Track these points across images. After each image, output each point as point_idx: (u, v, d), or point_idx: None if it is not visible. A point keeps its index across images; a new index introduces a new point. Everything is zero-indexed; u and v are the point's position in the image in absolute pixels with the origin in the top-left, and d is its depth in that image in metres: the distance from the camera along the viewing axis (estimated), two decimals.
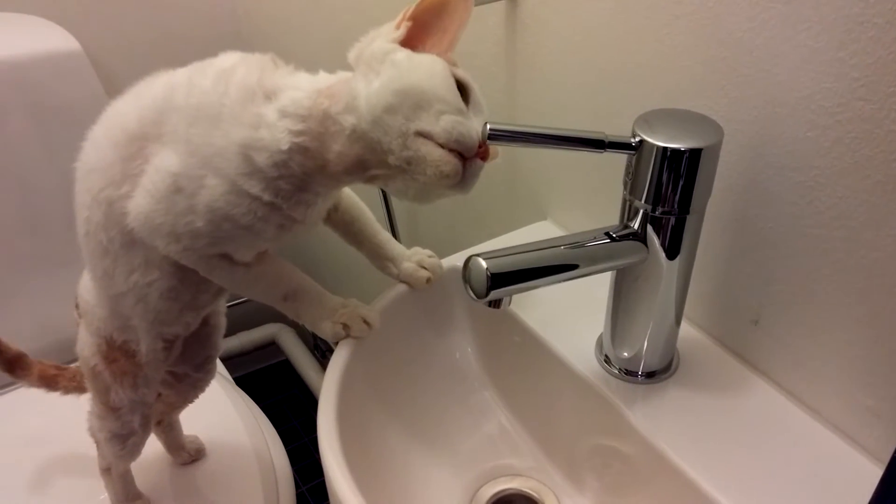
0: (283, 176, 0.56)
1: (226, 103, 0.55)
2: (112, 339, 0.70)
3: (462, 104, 0.53)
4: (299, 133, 0.55)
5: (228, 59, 0.59)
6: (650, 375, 0.65)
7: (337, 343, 0.67)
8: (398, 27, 0.55)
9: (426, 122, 0.52)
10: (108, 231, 0.62)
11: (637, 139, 0.53)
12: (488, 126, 0.51)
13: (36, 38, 1.10)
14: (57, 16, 1.17)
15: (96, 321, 0.70)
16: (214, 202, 0.56)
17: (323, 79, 0.57)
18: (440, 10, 0.55)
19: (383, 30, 0.56)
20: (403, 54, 0.54)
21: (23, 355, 0.86)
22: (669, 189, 0.54)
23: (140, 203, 0.58)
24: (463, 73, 0.55)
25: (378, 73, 0.53)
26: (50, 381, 0.85)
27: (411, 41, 0.55)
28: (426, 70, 0.53)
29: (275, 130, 0.54)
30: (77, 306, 0.74)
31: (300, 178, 0.57)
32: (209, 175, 0.56)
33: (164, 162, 0.57)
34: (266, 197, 0.56)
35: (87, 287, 0.71)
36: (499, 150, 0.60)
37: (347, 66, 0.57)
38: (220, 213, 0.57)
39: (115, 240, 0.62)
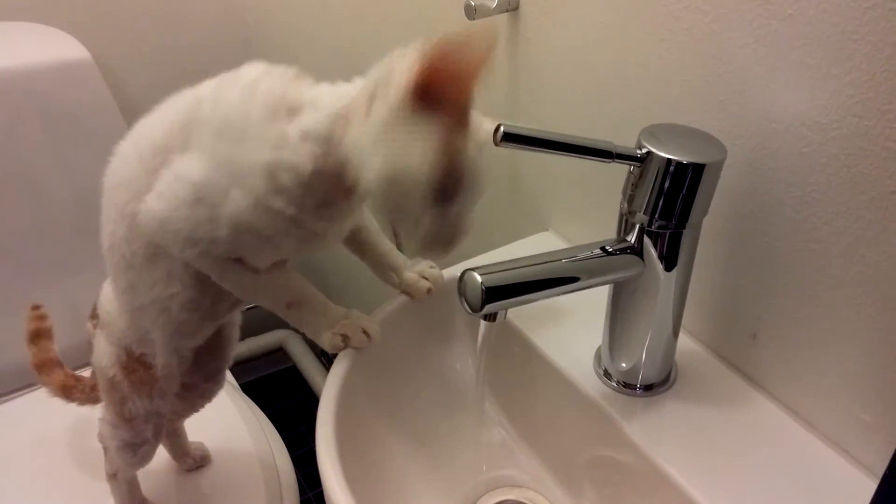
0: (307, 193, 0.57)
1: (251, 118, 0.55)
2: (131, 351, 0.71)
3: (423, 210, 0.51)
4: (320, 156, 0.55)
5: (253, 71, 0.59)
6: (648, 388, 0.65)
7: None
8: (408, 85, 0.47)
9: (406, 227, 0.54)
10: (132, 244, 0.63)
11: (644, 150, 0.54)
12: (503, 128, 0.52)
13: (46, 48, 1.11)
14: (67, 25, 1.18)
15: (117, 331, 0.71)
16: (239, 215, 0.57)
17: (342, 95, 0.56)
18: (461, 49, 0.48)
19: (399, 72, 0.48)
20: (399, 138, 0.49)
21: (57, 362, 0.88)
22: (670, 202, 0.54)
23: (154, 208, 0.59)
24: (466, 163, 0.50)
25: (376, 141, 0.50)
26: (67, 392, 0.87)
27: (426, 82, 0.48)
28: (414, 172, 0.49)
29: (298, 152, 0.55)
30: (93, 316, 0.74)
31: (323, 197, 0.57)
32: (234, 188, 0.56)
33: (186, 170, 0.57)
34: (290, 211, 0.57)
35: (108, 298, 0.72)
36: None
37: (353, 73, 0.57)
38: (244, 226, 0.57)
39: (137, 253, 0.63)
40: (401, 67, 0.48)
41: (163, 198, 0.58)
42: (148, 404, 0.73)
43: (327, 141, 0.55)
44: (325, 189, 0.57)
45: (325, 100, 0.56)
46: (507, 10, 0.77)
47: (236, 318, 0.79)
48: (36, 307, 0.88)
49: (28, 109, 1.07)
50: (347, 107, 0.54)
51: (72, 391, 0.86)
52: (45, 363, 0.87)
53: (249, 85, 0.57)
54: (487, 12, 0.76)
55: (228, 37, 1.40)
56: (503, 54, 0.81)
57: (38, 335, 0.88)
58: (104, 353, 0.73)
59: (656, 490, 0.59)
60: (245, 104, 0.56)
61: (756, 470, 0.58)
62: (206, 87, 0.60)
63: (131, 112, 0.64)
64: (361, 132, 0.51)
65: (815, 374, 0.59)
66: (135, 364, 0.72)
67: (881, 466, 0.56)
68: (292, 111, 0.56)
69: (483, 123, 0.53)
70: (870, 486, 0.55)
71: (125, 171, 0.62)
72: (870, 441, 0.56)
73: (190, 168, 0.57)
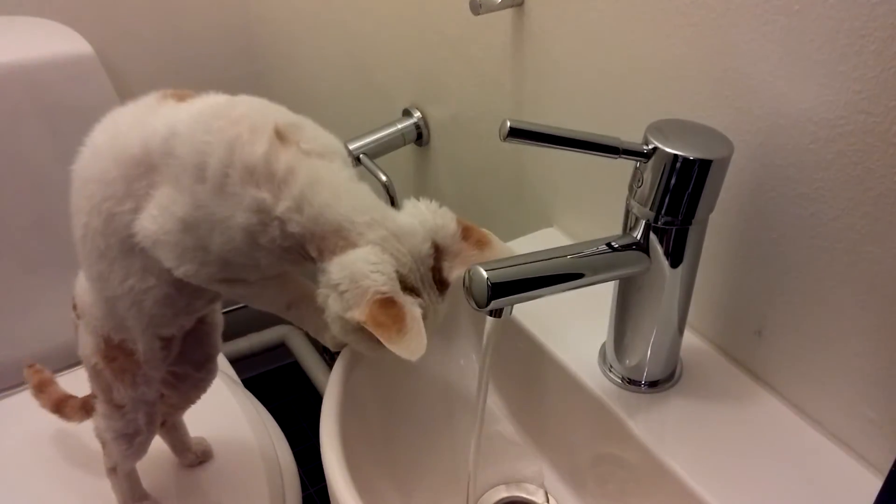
0: (289, 250, 0.58)
1: (229, 175, 0.55)
2: (110, 338, 0.71)
3: None
4: (298, 234, 0.56)
5: (233, 112, 0.57)
6: (653, 385, 0.65)
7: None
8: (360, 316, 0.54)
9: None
10: (107, 238, 0.62)
11: (651, 146, 0.54)
12: (508, 123, 0.52)
13: (49, 42, 1.11)
14: (70, 20, 1.18)
15: (94, 320, 0.71)
16: (225, 253, 0.58)
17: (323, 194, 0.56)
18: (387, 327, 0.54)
19: (363, 297, 0.54)
20: (345, 326, 0.56)
21: (66, 395, 0.91)
22: (677, 198, 0.54)
23: (148, 227, 0.59)
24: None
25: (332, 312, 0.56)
26: (88, 408, 0.88)
27: None
28: (358, 344, 0.59)
29: (277, 226, 0.56)
30: (75, 307, 0.74)
31: (306, 253, 0.58)
32: (216, 231, 0.57)
33: (169, 204, 0.58)
34: (272, 259, 0.59)
35: (83, 287, 0.71)
36: None
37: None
38: (230, 258, 0.59)
39: (112, 247, 0.62)
40: (358, 303, 0.54)
41: (156, 222, 0.58)
42: (132, 392, 0.73)
43: (300, 245, 0.57)
44: (307, 251, 0.58)
45: (301, 192, 0.55)
46: (512, 6, 0.76)
47: (217, 304, 0.79)
48: (31, 365, 0.93)
49: (30, 104, 1.07)
50: (322, 242, 0.56)
51: (88, 404, 0.88)
52: (58, 402, 0.91)
53: (228, 137, 0.56)
54: (492, 7, 0.76)
55: (231, 31, 1.40)
56: (508, 50, 0.81)
57: (43, 384, 0.92)
58: (85, 342, 0.73)
59: (660, 486, 0.59)
60: (223, 158, 0.55)
61: (760, 466, 0.58)
62: (182, 116, 0.58)
63: None
64: (324, 294, 0.56)
65: (820, 371, 0.59)
66: (115, 352, 0.71)
67: (886, 463, 0.56)
68: (270, 176, 0.55)
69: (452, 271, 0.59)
70: (875, 483, 0.56)
71: (100, 169, 0.61)
72: (874, 438, 0.56)
73: (173, 203, 0.57)
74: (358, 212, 0.56)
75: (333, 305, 0.55)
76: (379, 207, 0.57)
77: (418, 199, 0.60)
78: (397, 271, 0.55)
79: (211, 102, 0.59)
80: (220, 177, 0.55)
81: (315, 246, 0.56)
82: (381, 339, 0.53)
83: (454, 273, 0.59)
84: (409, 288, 0.56)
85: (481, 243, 0.60)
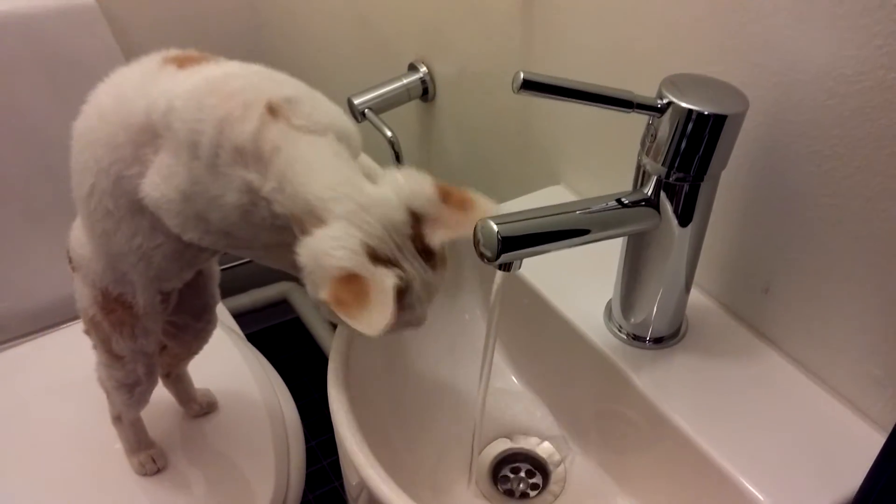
0: (283, 229, 0.57)
1: (219, 154, 0.55)
2: (108, 291, 0.71)
3: None
4: (283, 215, 0.55)
5: (227, 87, 0.56)
6: (658, 341, 0.65)
7: None
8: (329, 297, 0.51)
9: None
10: (116, 199, 0.62)
11: (665, 101, 0.53)
12: (522, 74, 0.51)
13: None
14: None
15: (92, 274, 0.71)
16: (225, 227, 0.58)
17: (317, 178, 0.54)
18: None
19: (326, 277, 0.51)
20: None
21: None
22: (690, 153, 0.53)
23: (151, 194, 0.59)
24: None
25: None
26: None
27: None
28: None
29: (265, 207, 0.55)
30: (70, 260, 0.74)
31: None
32: (212, 207, 0.57)
33: (170, 175, 0.58)
34: (272, 235, 0.58)
35: (79, 241, 0.71)
36: None
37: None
38: (231, 231, 0.59)
39: (121, 207, 0.62)
40: (324, 283, 0.51)
41: (157, 189, 0.58)
42: (132, 343, 0.74)
43: (289, 225, 0.56)
44: None
45: (282, 171, 0.54)
46: None
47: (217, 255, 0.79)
48: None
49: (31, 54, 1.05)
50: (300, 224, 0.54)
51: None
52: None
53: (220, 115, 0.54)
54: None
55: None
56: (517, 1, 0.79)
57: None
58: (82, 294, 0.74)
59: (664, 440, 0.60)
60: (214, 139, 0.54)
61: (764, 422, 0.58)
62: (180, 90, 0.56)
63: (135, 58, 0.62)
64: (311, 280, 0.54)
65: (827, 329, 0.59)
66: (113, 304, 0.71)
67: (889, 420, 0.56)
68: (259, 157, 0.54)
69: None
70: (877, 439, 0.56)
71: (107, 133, 0.60)
72: (879, 395, 0.57)
73: (173, 175, 0.57)
74: (327, 188, 0.53)
75: (309, 290, 0.53)
76: (351, 181, 0.54)
77: (398, 169, 0.57)
78: (366, 244, 0.52)
79: (207, 75, 0.58)
80: (211, 156, 0.55)
81: (299, 228, 0.55)
82: (342, 317, 0.50)
83: (437, 238, 0.55)
84: (383, 259, 0.53)
85: (464, 205, 0.56)
